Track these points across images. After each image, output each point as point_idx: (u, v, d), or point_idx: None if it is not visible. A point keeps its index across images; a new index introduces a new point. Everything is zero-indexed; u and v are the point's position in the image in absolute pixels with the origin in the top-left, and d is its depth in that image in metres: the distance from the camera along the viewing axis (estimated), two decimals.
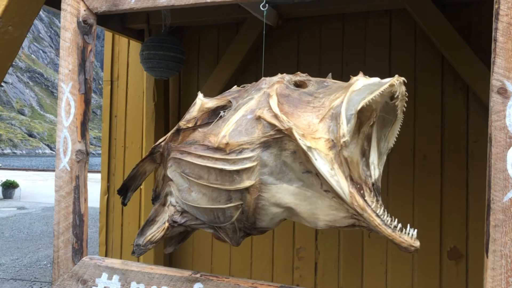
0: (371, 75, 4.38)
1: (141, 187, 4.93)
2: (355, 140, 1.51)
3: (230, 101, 1.75)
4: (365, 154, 1.52)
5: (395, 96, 1.42)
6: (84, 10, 1.88)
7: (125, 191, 2.06)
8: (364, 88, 1.46)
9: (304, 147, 1.43)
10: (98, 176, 5.56)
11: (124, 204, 2.01)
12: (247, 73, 4.56)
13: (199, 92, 1.87)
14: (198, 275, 1.63)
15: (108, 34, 5.19)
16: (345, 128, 1.41)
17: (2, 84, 2.71)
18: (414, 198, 4.09)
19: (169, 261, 4.86)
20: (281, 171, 1.52)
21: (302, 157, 1.46)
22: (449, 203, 4.00)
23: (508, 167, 1.26)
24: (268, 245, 4.54)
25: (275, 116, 1.50)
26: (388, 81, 1.42)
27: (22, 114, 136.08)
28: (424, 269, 4.04)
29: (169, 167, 1.79)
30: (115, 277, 1.74)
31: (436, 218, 4.02)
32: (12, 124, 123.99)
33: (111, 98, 5.24)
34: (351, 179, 1.42)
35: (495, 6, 1.30)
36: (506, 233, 1.26)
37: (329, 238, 4.33)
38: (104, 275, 1.76)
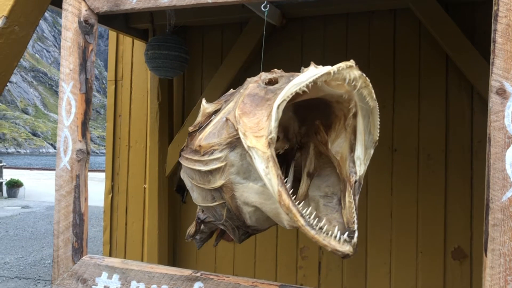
0: (375, 75, 4.37)
1: (145, 186, 4.95)
2: (343, 135, 1.50)
3: (222, 105, 1.78)
4: (352, 149, 1.49)
5: (347, 82, 1.37)
6: (86, 10, 1.89)
7: (182, 190, 2.17)
8: (306, 80, 1.40)
9: (245, 146, 1.42)
10: (102, 175, 5.58)
11: (183, 202, 2.16)
12: (251, 73, 4.53)
13: (203, 98, 1.91)
14: (198, 274, 1.63)
15: (112, 34, 5.20)
16: (272, 125, 1.37)
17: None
18: (418, 197, 4.09)
19: (173, 260, 4.87)
20: (247, 170, 1.52)
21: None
22: (453, 203, 3.99)
23: (507, 167, 1.27)
24: (271, 245, 4.55)
25: (235, 116, 1.50)
26: (329, 68, 1.37)
27: (26, 113, 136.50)
28: (428, 269, 4.04)
29: (181, 169, 1.87)
30: (115, 276, 1.74)
31: (440, 218, 4.02)
32: (16, 123, 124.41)
33: (115, 98, 5.25)
34: (281, 177, 1.35)
35: (494, 8, 1.31)
36: (504, 232, 1.27)
37: None
38: (104, 274, 1.76)
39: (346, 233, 1.34)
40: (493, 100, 1.29)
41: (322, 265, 4.38)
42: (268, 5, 1.93)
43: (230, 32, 4.77)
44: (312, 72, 1.41)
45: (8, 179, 20.48)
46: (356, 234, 1.35)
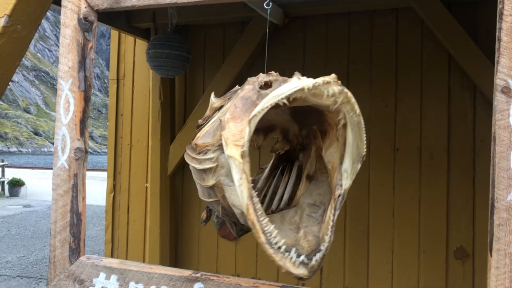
0: (377, 74, 4.35)
1: (147, 185, 4.95)
2: (335, 145, 1.48)
3: (226, 101, 1.78)
4: (342, 161, 1.47)
5: (325, 97, 1.35)
6: (85, 7, 1.87)
7: None
8: (282, 94, 1.38)
9: (226, 154, 1.41)
10: (104, 174, 5.59)
11: None
12: (253, 72, 4.53)
13: (213, 93, 1.90)
14: (198, 275, 1.61)
15: (114, 33, 5.20)
16: (245, 138, 1.36)
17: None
18: (421, 197, 4.08)
19: (175, 260, 4.87)
20: None
21: None
22: (456, 203, 3.98)
23: None
24: None
25: (224, 120, 1.50)
26: (304, 84, 1.35)
27: (28, 112, 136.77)
28: (430, 268, 4.03)
29: None
30: (113, 277, 1.71)
31: (443, 217, 4.01)
32: (18, 123, 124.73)
33: (117, 97, 5.25)
34: (251, 191, 1.34)
35: (499, 6, 1.29)
36: (510, 231, 1.25)
37: (335, 237, 4.31)
38: (102, 275, 1.73)
39: (303, 256, 1.32)
40: (498, 98, 1.28)
41: (324, 264, 4.37)
42: (271, 3, 1.91)
43: (231, 31, 4.76)
44: (291, 86, 1.38)
45: (10, 178, 20.51)
46: (317, 256, 1.33)
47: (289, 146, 1.85)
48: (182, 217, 4.91)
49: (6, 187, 20.33)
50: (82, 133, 1.87)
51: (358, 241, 4.24)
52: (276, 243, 1.31)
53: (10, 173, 22.25)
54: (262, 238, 1.31)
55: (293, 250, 1.33)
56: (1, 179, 20.56)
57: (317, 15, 4.44)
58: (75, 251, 1.83)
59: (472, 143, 3.95)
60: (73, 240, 1.82)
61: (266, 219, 1.34)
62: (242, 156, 1.35)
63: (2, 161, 21.51)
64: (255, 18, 4.34)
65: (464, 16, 3.90)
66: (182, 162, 4.70)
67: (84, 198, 1.87)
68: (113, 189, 5.22)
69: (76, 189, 1.85)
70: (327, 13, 4.39)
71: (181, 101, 4.94)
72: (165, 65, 4.16)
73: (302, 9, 4.33)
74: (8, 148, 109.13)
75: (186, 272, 1.65)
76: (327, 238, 1.38)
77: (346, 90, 1.37)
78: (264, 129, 1.79)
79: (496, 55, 1.29)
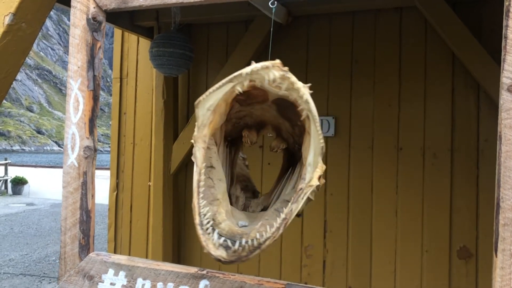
0: (380, 73, 4.33)
1: (150, 183, 4.95)
2: (308, 139, 1.45)
3: None
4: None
5: (266, 83, 1.33)
6: (94, 8, 1.89)
7: None
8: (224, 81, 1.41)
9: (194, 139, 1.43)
10: (107, 173, 5.60)
11: None
12: None
13: None
14: (204, 272, 1.63)
15: (117, 32, 5.20)
16: (198, 122, 1.40)
17: None
18: (424, 197, 4.07)
19: (178, 258, 4.87)
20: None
21: None
22: (459, 202, 3.98)
23: None
24: (276, 243, 4.52)
25: None
26: (244, 69, 1.34)
27: (31, 111, 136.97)
28: (433, 268, 4.03)
29: None
30: (122, 273, 1.74)
31: (446, 217, 4.00)
32: (21, 121, 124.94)
33: (120, 95, 5.25)
34: (200, 176, 1.38)
35: (506, 3, 1.28)
36: None
37: (338, 236, 4.32)
38: (111, 271, 1.76)
39: (223, 238, 1.33)
40: (504, 97, 1.27)
41: (326, 263, 4.37)
42: (276, 2, 1.91)
43: (235, 30, 4.76)
44: (243, 71, 1.38)
45: (13, 176, 20.56)
46: (243, 241, 1.32)
47: (285, 144, 1.84)
48: (185, 216, 4.91)
49: (9, 185, 20.40)
50: (91, 131, 1.89)
51: (361, 240, 4.24)
52: (205, 225, 1.35)
53: (13, 172, 22.28)
54: (197, 219, 1.35)
55: (216, 231, 1.35)
56: (4, 178, 20.62)
57: (321, 14, 4.44)
58: (85, 248, 1.86)
59: (476, 142, 3.95)
60: (82, 236, 1.85)
61: (205, 202, 1.38)
62: (195, 140, 1.39)
63: (5, 159, 21.57)
64: (258, 17, 4.34)
65: (469, 15, 3.89)
66: (185, 161, 4.71)
67: (93, 196, 1.90)
68: (116, 187, 5.22)
69: (86, 187, 1.87)
70: (330, 12, 4.39)
71: (184, 99, 4.94)
72: (168, 64, 4.16)
73: (305, 8, 4.32)
74: (11, 146, 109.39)
75: (192, 269, 1.66)
76: (269, 229, 1.34)
77: (289, 75, 1.33)
78: (256, 125, 1.79)
79: (503, 53, 1.27)
